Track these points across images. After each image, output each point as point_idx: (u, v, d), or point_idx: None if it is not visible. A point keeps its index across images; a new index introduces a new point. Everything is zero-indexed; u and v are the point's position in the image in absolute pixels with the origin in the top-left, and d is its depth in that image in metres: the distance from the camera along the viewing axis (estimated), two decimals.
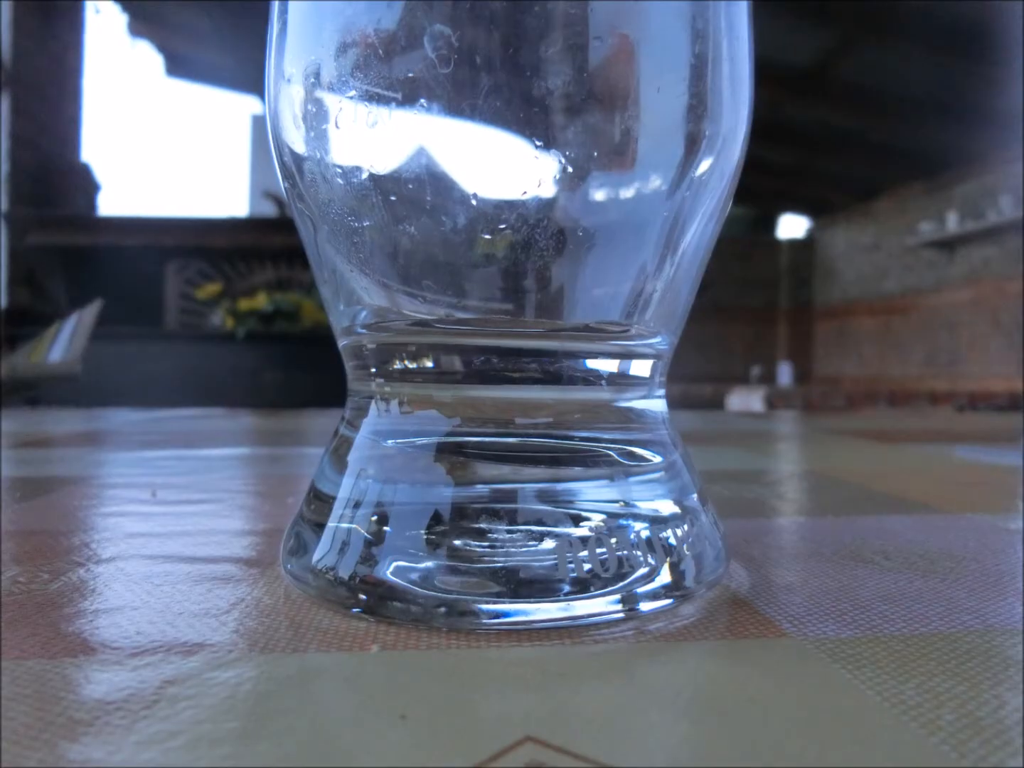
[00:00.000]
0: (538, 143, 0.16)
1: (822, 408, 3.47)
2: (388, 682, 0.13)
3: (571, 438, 0.18)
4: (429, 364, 0.18)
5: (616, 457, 0.19)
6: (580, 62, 0.16)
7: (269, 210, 3.97)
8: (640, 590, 0.17)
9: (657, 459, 0.19)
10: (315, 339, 2.99)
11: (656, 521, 0.18)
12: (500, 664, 0.14)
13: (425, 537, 0.17)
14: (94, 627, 0.16)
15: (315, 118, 0.17)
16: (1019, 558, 0.22)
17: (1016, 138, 4.12)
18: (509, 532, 0.17)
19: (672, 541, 0.18)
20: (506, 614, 0.16)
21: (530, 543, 0.17)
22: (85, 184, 4.18)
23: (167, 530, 0.24)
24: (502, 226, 0.17)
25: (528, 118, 0.16)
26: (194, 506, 0.29)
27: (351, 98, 0.16)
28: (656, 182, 0.18)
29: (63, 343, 1.93)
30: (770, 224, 7.57)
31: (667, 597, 0.17)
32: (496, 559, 0.16)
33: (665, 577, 0.17)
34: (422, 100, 0.16)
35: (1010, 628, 0.16)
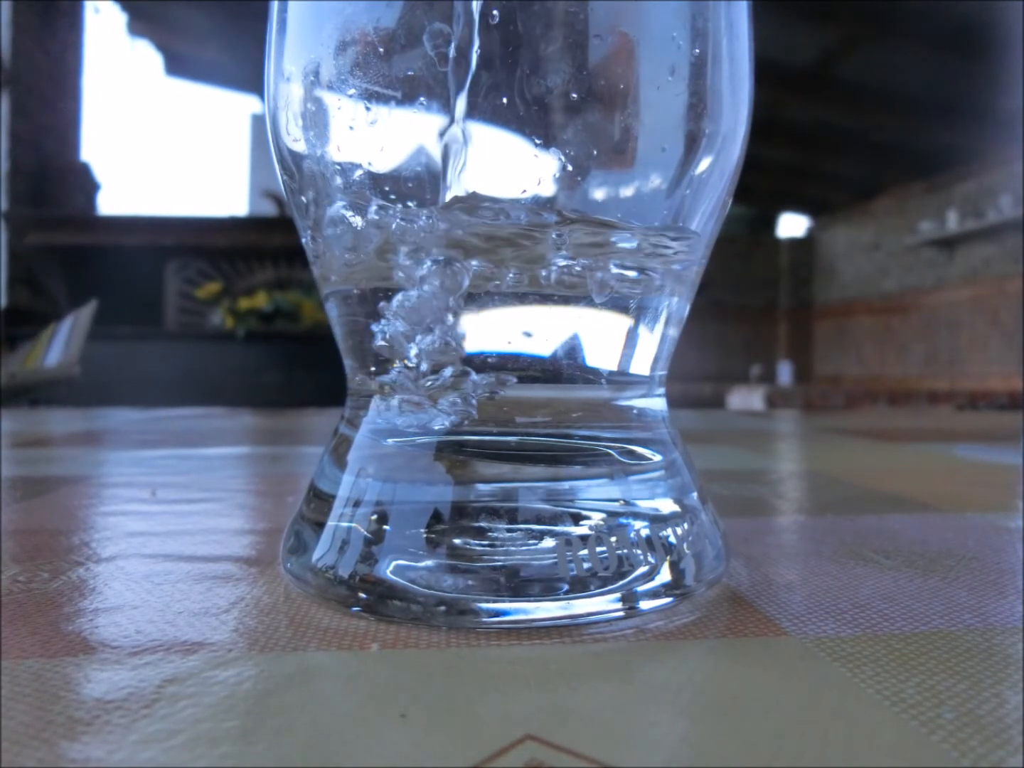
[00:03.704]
0: (537, 141, 0.16)
1: (822, 407, 3.47)
2: (388, 681, 0.13)
3: (571, 437, 0.18)
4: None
5: (616, 456, 0.19)
6: (580, 60, 0.16)
7: (269, 209, 3.97)
8: (640, 588, 0.17)
9: (657, 458, 0.19)
10: (315, 338, 2.99)
11: (656, 520, 0.18)
12: (500, 663, 0.14)
13: (425, 536, 0.17)
14: (94, 626, 0.16)
15: (314, 116, 0.17)
16: (1019, 557, 0.22)
17: (1016, 137, 4.12)
18: (509, 531, 0.17)
19: (672, 540, 0.18)
20: (506, 613, 0.16)
21: (530, 542, 0.17)
22: (85, 183, 4.18)
23: (167, 529, 0.24)
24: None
25: (528, 116, 0.16)
26: (194, 505, 0.29)
27: (350, 96, 0.16)
28: (656, 181, 0.18)
29: (59, 346, 1.93)
30: (770, 223, 7.57)
31: (667, 595, 0.17)
32: (496, 558, 0.16)
33: (665, 575, 0.17)
34: (421, 98, 0.16)
35: (1010, 627, 0.16)
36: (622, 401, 0.19)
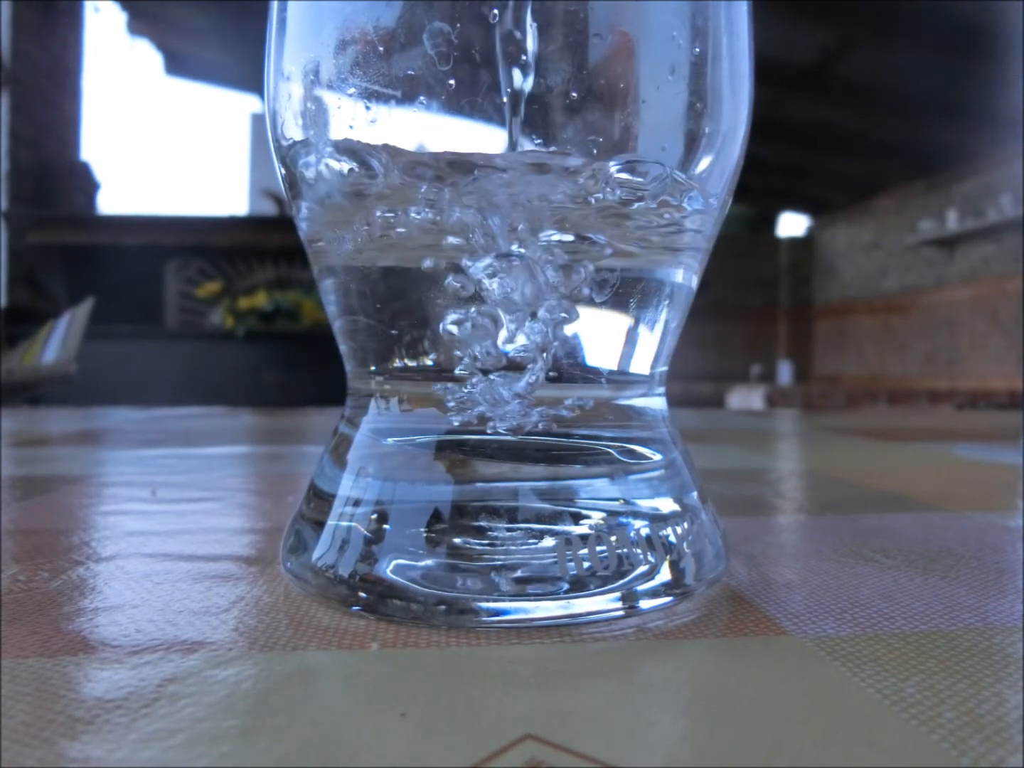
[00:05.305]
0: (537, 140, 0.16)
1: (822, 407, 3.47)
2: (388, 680, 0.13)
3: (571, 436, 0.18)
4: (428, 361, 0.18)
5: (616, 455, 0.19)
6: (579, 59, 0.16)
7: (269, 208, 3.97)
8: (640, 588, 0.17)
9: (657, 457, 0.19)
10: (315, 338, 2.99)
11: (656, 519, 0.18)
12: (500, 662, 0.14)
13: (425, 535, 0.17)
14: (94, 625, 0.16)
15: (314, 116, 0.17)
16: (1019, 556, 0.22)
17: (1016, 137, 4.11)
18: (509, 530, 0.17)
19: (672, 539, 0.18)
20: (506, 612, 0.16)
21: (530, 541, 0.17)
22: (84, 183, 4.18)
23: (167, 528, 0.24)
24: None
25: (527, 115, 0.16)
26: (194, 504, 0.29)
27: (350, 95, 0.16)
28: None
29: (56, 344, 1.92)
30: (770, 222, 7.56)
31: (667, 595, 0.17)
32: (496, 557, 0.16)
33: (665, 575, 0.17)
34: (421, 97, 0.16)
35: (1010, 626, 0.16)
36: (622, 400, 0.19)
